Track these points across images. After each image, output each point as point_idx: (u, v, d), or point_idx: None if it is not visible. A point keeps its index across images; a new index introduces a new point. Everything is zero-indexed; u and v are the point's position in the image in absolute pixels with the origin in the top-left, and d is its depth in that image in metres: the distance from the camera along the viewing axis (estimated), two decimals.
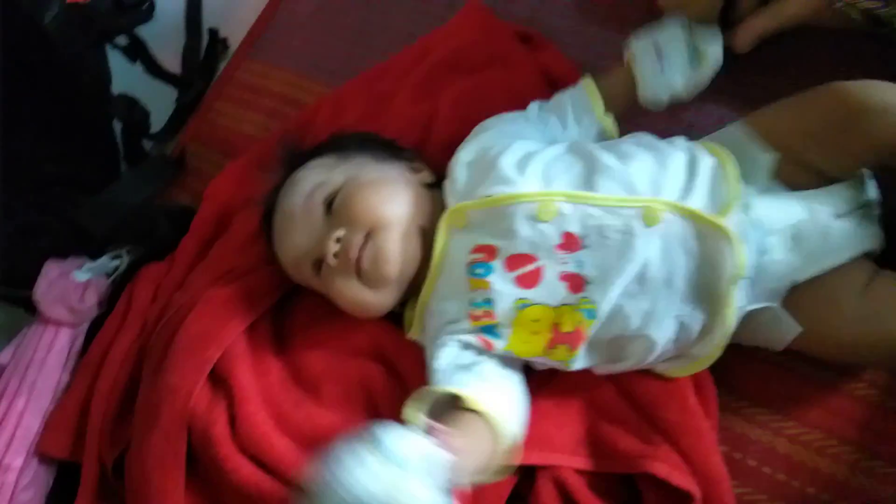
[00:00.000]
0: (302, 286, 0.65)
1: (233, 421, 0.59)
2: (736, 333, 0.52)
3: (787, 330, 0.51)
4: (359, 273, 0.56)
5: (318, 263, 0.59)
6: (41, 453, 0.70)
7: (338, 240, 0.55)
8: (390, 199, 0.57)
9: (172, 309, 0.67)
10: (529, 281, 0.51)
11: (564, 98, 0.62)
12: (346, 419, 0.59)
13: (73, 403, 0.70)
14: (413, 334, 0.58)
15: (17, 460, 0.69)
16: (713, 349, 0.52)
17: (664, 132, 0.59)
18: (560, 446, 0.55)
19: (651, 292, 0.50)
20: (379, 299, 0.57)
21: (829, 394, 0.57)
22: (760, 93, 0.61)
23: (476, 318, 0.53)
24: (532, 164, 0.54)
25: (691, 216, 0.50)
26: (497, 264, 0.52)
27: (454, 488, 0.42)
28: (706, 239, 0.50)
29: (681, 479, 0.51)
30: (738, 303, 0.50)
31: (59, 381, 0.73)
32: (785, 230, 0.51)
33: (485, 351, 0.53)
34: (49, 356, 0.73)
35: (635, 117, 0.63)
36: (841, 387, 0.57)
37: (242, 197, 0.75)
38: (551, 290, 0.51)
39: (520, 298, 0.51)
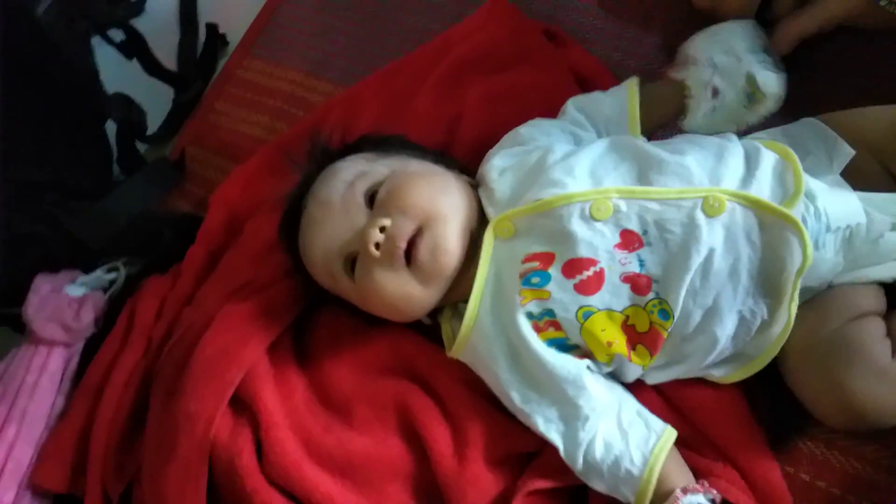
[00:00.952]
0: (322, 298, 0.61)
1: (259, 449, 0.55)
2: None
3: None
4: (410, 264, 0.52)
5: (352, 260, 0.54)
6: (35, 486, 0.64)
7: (381, 229, 0.51)
8: (445, 190, 0.54)
9: (184, 326, 0.62)
10: (591, 287, 0.49)
11: (599, 108, 0.59)
12: (380, 443, 0.56)
13: (70, 431, 0.65)
14: (455, 353, 0.55)
15: (7, 496, 0.63)
16: (771, 346, 0.50)
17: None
18: None
19: (714, 287, 0.48)
20: (425, 295, 0.53)
21: None
22: (799, 97, 0.58)
23: (540, 330, 0.50)
24: (579, 164, 0.52)
25: (755, 205, 0.48)
26: (554, 272, 0.49)
27: None
28: (771, 229, 0.48)
29: (740, 496, 0.50)
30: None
31: (53, 407, 0.68)
32: (842, 230, 0.50)
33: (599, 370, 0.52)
34: (41, 379, 0.67)
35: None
36: None
37: (252, 203, 0.71)
38: (615, 293, 0.49)
39: (583, 306, 0.49)
